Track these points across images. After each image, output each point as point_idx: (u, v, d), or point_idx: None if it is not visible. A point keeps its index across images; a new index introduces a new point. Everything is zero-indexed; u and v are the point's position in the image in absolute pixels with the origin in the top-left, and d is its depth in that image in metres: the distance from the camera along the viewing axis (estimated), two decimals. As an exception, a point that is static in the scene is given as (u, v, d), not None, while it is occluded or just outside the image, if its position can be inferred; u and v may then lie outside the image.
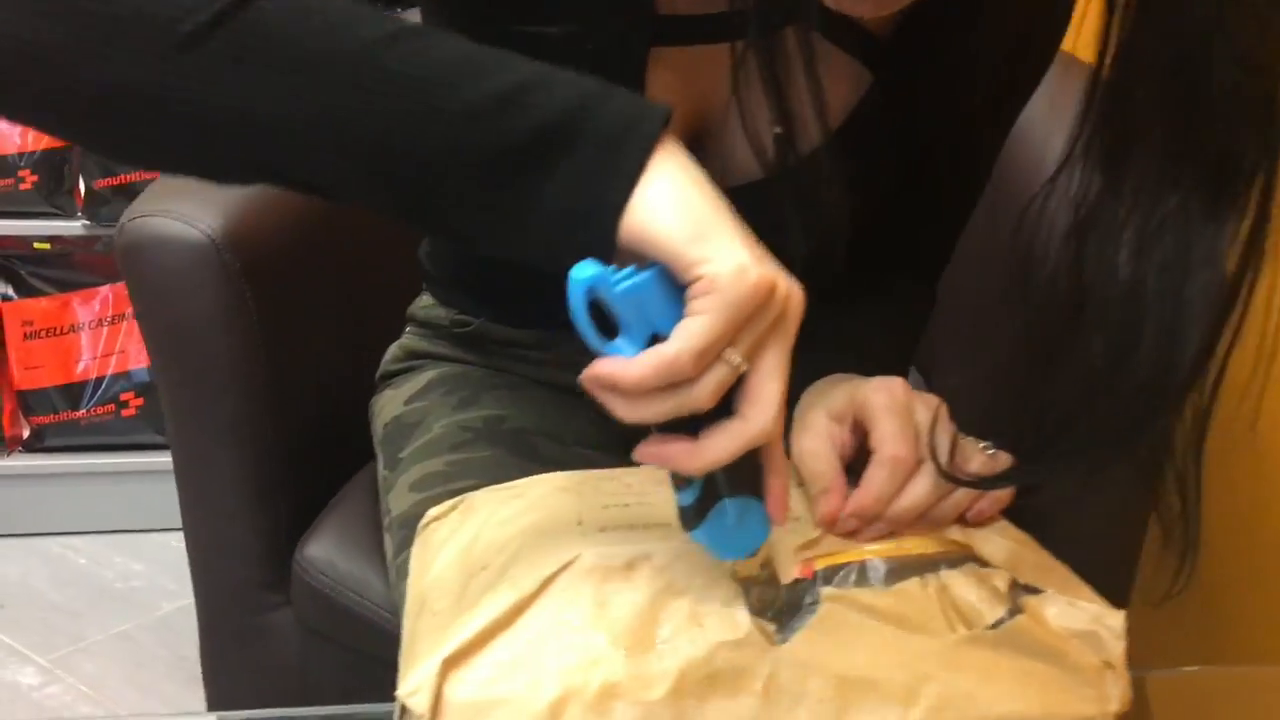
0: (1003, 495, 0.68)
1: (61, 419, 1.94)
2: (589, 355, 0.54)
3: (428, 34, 0.56)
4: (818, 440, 0.68)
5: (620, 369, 0.53)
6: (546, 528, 0.64)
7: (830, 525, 0.65)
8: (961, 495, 0.67)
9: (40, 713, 1.59)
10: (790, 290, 0.55)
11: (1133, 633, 0.62)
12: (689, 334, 0.52)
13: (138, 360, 1.96)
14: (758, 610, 0.60)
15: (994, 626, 0.61)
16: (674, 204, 0.53)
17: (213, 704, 0.80)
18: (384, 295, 1.10)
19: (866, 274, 0.78)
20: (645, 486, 0.68)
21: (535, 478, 0.70)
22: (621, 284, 0.53)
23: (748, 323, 0.53)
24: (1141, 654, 0.63)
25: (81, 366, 1.95)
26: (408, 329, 1.04)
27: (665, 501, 0.61)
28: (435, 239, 0.98)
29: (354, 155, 0.55)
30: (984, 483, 0.66)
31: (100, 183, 1.85)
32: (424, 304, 1.03)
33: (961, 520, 0.67)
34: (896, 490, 0.66)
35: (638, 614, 0.60)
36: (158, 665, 1.68)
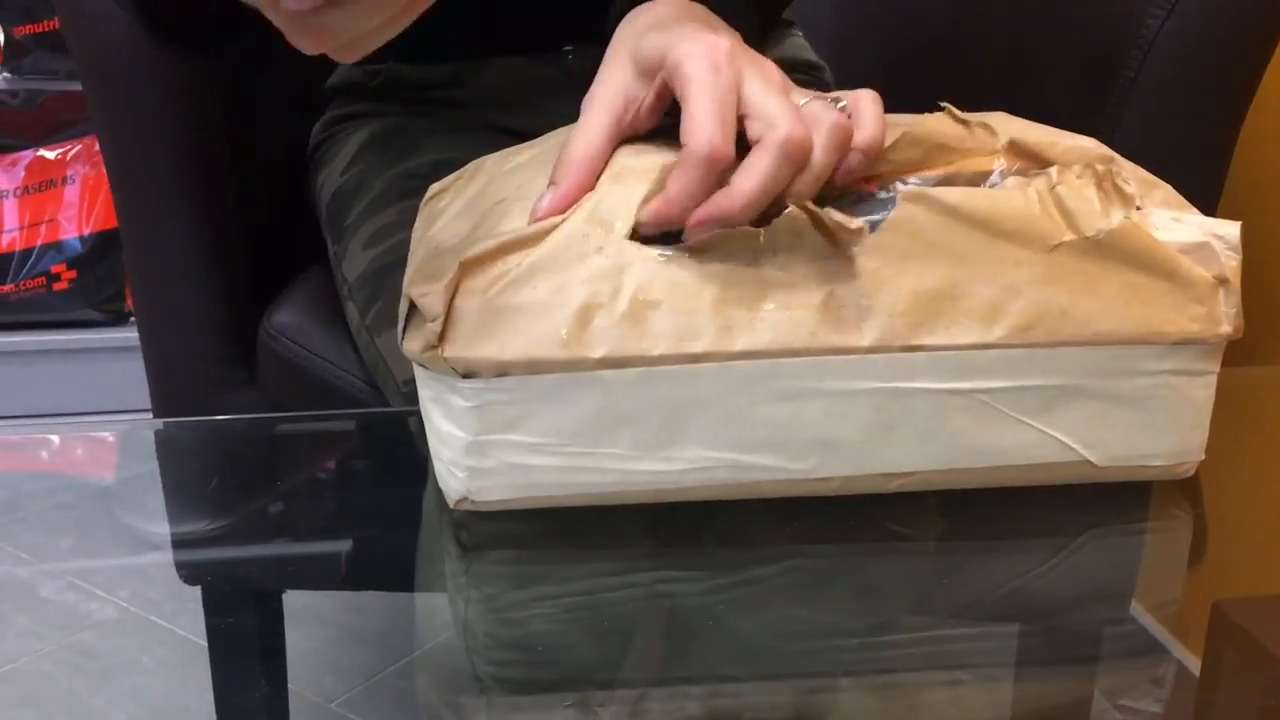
0: (874, 143, 0.53)
1: (-15, 295, 1.81)
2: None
3: None
4: (603, 111, 0.54)
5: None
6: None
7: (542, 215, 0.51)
8: (819, 161, 0.51)
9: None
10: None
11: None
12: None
13: (69, 230, 1.83)
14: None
15: (1099, 235, 0.53)
16: None
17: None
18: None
19: None
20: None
21: (551, 132, 0.61)
22: None
23: None
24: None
25: (6, 239, 1.82)
26: (328, 108, 0.97)
27: None
28: None
29: None
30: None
31: (21, 30, 1.71)
32: (338, 70, 0.95)
33: (831, 186, 0.54)
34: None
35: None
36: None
